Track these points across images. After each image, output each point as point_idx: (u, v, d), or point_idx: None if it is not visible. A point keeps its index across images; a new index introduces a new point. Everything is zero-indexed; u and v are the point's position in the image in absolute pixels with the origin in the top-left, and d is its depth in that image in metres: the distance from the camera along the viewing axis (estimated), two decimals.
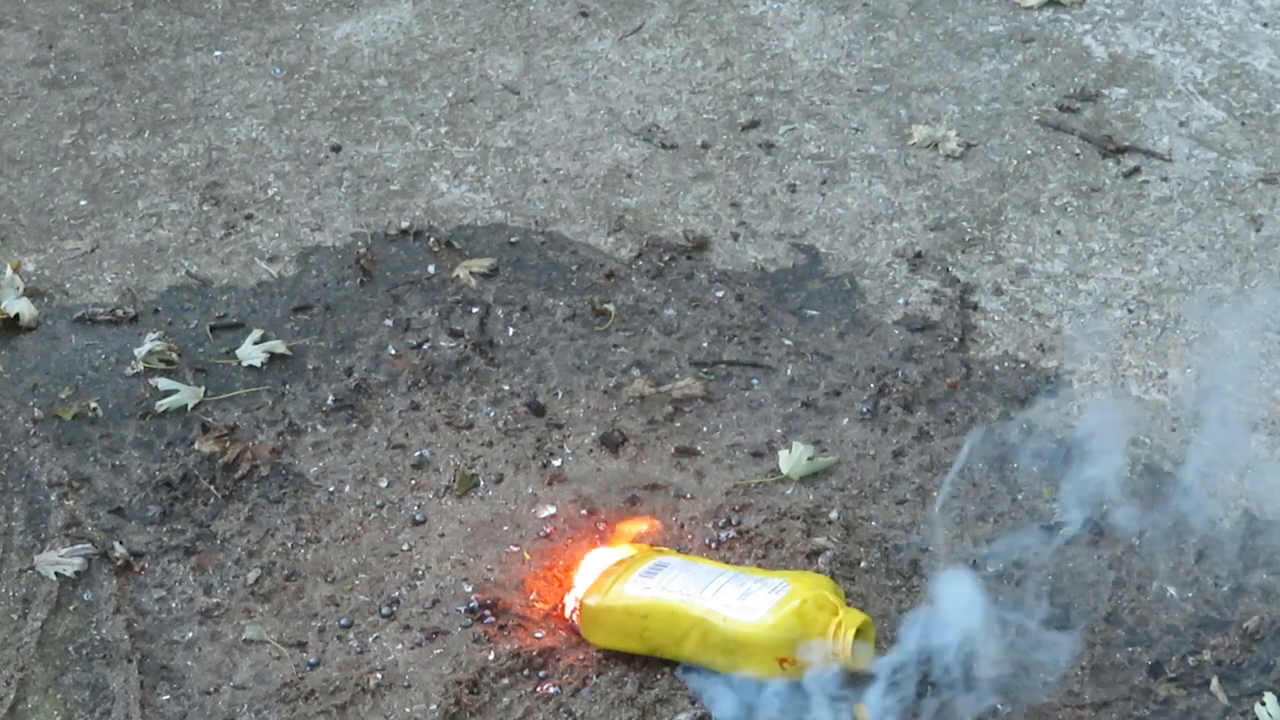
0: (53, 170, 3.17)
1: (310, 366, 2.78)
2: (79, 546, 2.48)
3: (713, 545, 2.50)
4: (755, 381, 2.75)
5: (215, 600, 2.44)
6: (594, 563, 2.42)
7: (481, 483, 2.61)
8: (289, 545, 2.52)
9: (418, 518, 2.55)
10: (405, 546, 2.52)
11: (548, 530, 2.53)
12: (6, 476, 2.60)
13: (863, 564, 2.46)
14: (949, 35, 3.45)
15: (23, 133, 3.26)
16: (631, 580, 2.34)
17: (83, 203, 3.10)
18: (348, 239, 3.02)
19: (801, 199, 3.10)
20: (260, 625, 2.41)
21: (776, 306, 2.88)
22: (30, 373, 2.76)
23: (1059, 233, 3.01)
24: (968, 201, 3.08)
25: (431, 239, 3.00)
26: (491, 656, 2.35)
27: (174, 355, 2.78)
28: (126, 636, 2.39)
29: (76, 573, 2.46)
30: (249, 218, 3.07)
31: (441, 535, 2.53)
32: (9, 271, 2.91)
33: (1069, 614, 2.40)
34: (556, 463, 2.64)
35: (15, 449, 2.64)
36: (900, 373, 2.74)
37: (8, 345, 2.81)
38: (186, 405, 2.70)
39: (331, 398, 2.72)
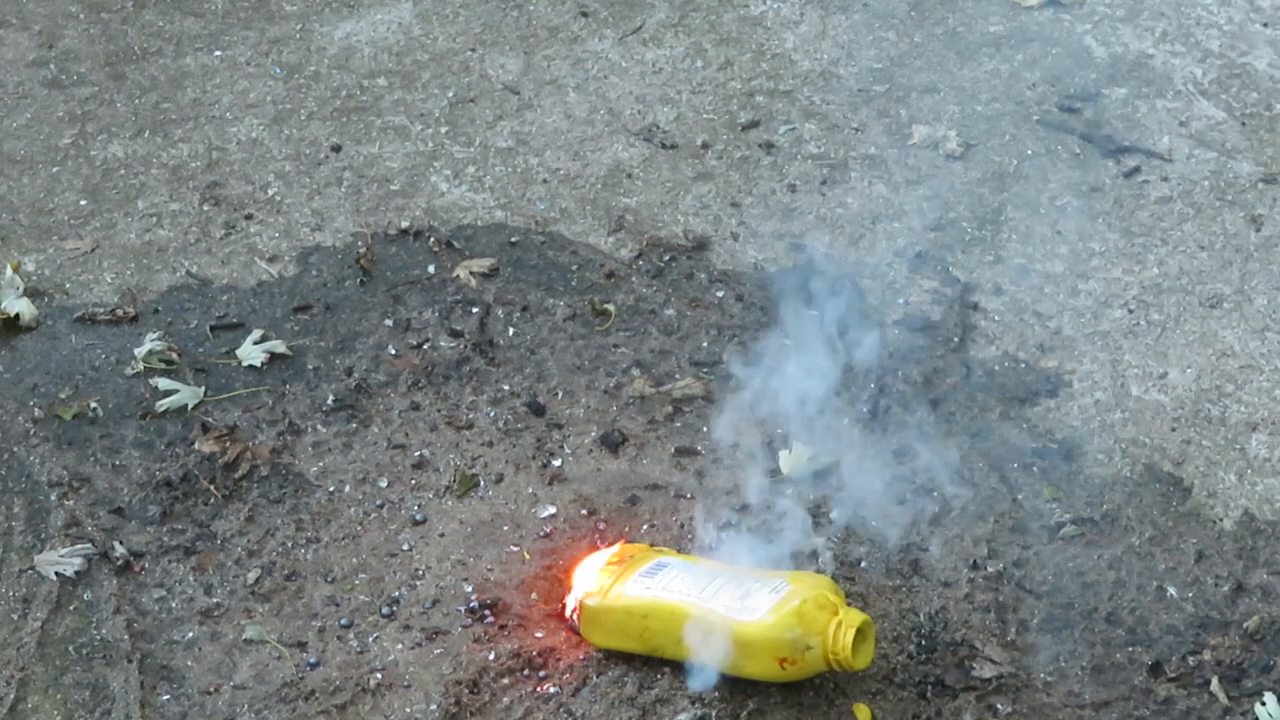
0: (53, 170, 3.17)
1: (310, 366, 2.78)
2: (79, 546, 2.48)
3: (713, 545, 2.50)
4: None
5: (215, 600, 2.44)
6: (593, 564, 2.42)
7: (481, 483, 2.61)
8: (289, 545, 2.52)
9: (418, 518, 2.55)
10: (405, 546, 2.52)
11: (548, 530, 2.53)
12: (6, 476, 2.60)
13: (863, 564, 2.46)
14: (949, 35, 3.45)
15: (23, 133, 3.26)
16: (631, 580, 2.34)
17: (83, 203, 3.10)
18: (348, 239, 3.02)
19: (801, 199, 3.09)
20: (260, 625, 2.41)
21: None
22: (30, 373, 2.76)
23: (1059, 233, 3.01)
24: (968, 201, 3.08)
25: (431, 239, 3.00)
26: (491, 656, 2.35)
27: (174, 355, 2.78)
28: (126, 636, 2.39)
29: (76, 573, 2.46)
30: (249, 218, 3.06)
31: (441, 535, 2.53)
32: (9, 271, 2.91)
33: (1069, 613, 2.41)
34: (556, 463, 2.64)
35: (15, 449, 2.64)
36: (900, 373, 2.74)
37: (8, 345, 2.81)
38: (186, 405, 2.70)
39: (331, 398, 2.72)
